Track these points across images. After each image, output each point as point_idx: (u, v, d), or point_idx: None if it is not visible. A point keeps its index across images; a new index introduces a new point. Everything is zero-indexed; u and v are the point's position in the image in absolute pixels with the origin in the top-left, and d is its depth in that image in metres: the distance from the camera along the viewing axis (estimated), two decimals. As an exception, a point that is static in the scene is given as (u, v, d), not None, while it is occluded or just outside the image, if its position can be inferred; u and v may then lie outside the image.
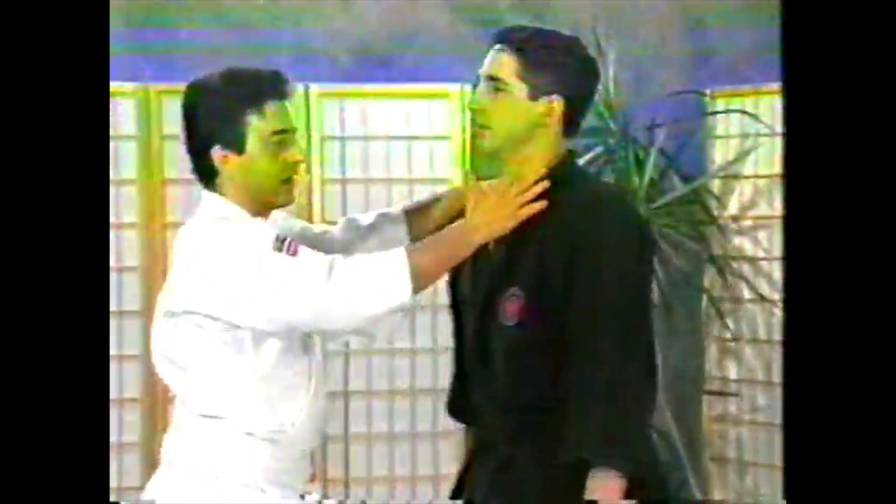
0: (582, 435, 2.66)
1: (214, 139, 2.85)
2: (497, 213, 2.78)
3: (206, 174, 2.88)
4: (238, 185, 2.86)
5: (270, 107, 2.84)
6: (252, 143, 2.84)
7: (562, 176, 2.80)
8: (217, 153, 2.85)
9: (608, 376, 2.66)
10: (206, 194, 2.89)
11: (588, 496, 2.66)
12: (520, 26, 2.85)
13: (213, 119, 2.85)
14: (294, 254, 2.75)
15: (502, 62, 2.78)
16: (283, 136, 2.85)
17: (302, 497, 2.92)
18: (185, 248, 2.86)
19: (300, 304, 2.73)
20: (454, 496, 2.96)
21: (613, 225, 2.74)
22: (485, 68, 2.81)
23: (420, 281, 2.75)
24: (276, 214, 2.97)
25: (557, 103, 2.78)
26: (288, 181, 2.87)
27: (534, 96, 2.78)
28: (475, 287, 2.90)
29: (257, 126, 2.84)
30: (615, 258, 2.70)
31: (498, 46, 2.80)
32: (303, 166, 2.94)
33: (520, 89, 2.78)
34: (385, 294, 2.73)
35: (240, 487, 2.83)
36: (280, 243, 2.76)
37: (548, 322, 2.72)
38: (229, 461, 2.84)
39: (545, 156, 2.82)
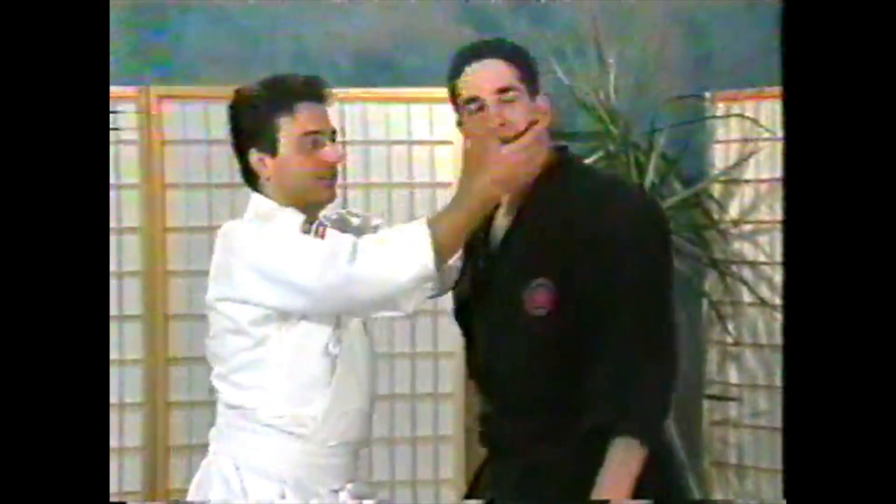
0: (601, 401, 2.69)
1: (250, 144, 2.96)
2: (506, 167, 2.76)
3: (248, 177, 3.00)
4: (276, 186, 2.96)
5: (302, 108, 2.93)
6: (284, 144, 2.93)
7: (567, 164, 2.88)
8: (254, 157, 2.95)
9: (626, 352, 2.70)
10: (253, 194, 3.01)
11: (606, 465, 2.68)
12: (496, 38, 2.92)
13: (249, 124, 2.96)
14: (322, 236, 2.86)
15: (504, 72, 2.82)
16: (316, 136, 2.94)
17: (336, 492, 2.96)
18: (221, 241, 2.95)
19: (326, 282, 2.78)
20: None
21: (633, 209, 2.80)
22: (489, 84, 2.81)
23: (443, 249, 2.78)
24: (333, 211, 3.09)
25: (544, 98, 2.86)
26: (323, 179, 2.95)
27: (532, 97, 2.83)
28: (487, 285, 2.89)
29: (288, 128, 2.93)
30: (636, 241, 2.75)
31: (489, 60, 2.82)
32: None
33: (524, 93, 2.82)
34: (409, 266, 2.76)
35: (259, 478, 2.88)
36: (308, 225, 2.87)
37: (577, 309, 2.74)
38: (250, 451, 2.92)
39: (545, 148, 2.86)
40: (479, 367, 2.96)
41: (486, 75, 2.81)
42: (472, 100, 2.82)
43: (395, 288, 2.78)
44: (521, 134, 2.78)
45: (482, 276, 2.90)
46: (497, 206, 2.88)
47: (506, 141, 2.78)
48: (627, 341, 2.70)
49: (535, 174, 2.82)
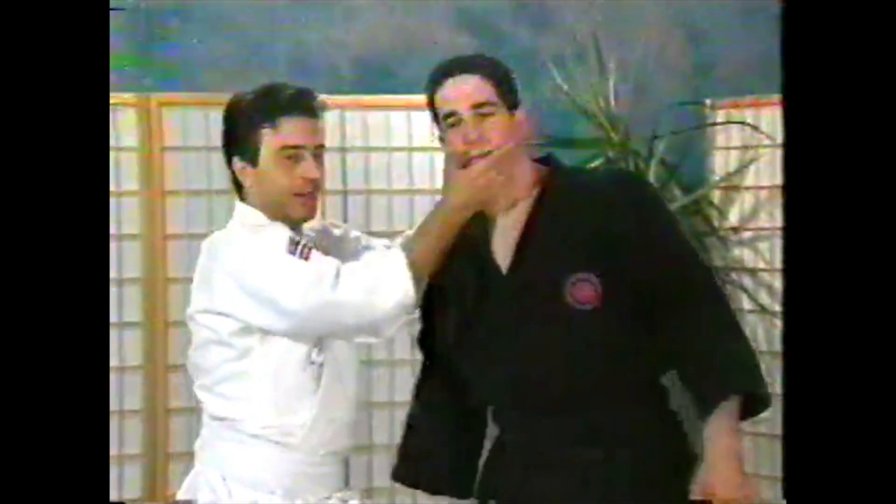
0: (730, 371, 2.78)
1: (234, 151, 2.95)
2: (469, 189, 2.83)
3: (236, 185, 2.99)
4: (256, 197, 2.95)
5: (285, 122, 2.91)
6: (264, 156, 2.90)
7: (564, 168, 2.96)
8: (236, 165, 2.95)
9: (725, 318, 2.84)
10: (238, 204, 2.99)
11: (711, 434, 2.77)
12: (472, 55, 3.01)
13: (234, 132, 2.96)
14: (306, 258, 2.81)
15: (482, 88, 2.86)
16: (298, 150, 2.91)
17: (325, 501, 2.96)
18: (206, 252, 2.95)
19: (308, 306, 2.79)
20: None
21: (652, 196, 2.94)
22: (471, 99, 2.85)
23: (420, 276, 2.83)
24: (327, 224, 3.10)
25: (522, 112, 2.91)
26: (301, 196, 2.92)
27: (511, 112, 2.88)
28: (512, 292, 2.89)
29: (269, 139, 2.91)
30: (671, 220, 2.91)
31: (468, 76, 2.87)
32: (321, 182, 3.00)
33: (502, 108, 2.86)
34: (390, 295, 2.79)
35: (246, 488, 2.88)
36: (294, 246, 2.84)
37: (628, 303, 2.79)
38: (238, 462, 2.92)
39: (529, 160, 2.93)
40: (503, 374, 2.91)
41: (464, 90, 2.86)
42: (450, 115, 2.87)
43: (377, 315, 2.81)
44: (490, 152, 2.83)
45: (501, 286, 2.90)
46: (485, 224, 2.89)
47: (482, 156, 2.83)
48: (715, 316, 2.82)
49: (527, 186, 2.88)
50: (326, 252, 2.94)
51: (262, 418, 2.88)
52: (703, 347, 2.79)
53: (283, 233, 2.87)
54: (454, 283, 2.92)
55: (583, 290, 2.79)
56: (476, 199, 2.83)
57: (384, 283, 2.79)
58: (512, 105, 2.88)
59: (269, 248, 2.84)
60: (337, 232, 3.10)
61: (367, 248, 3.05)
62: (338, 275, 2.78)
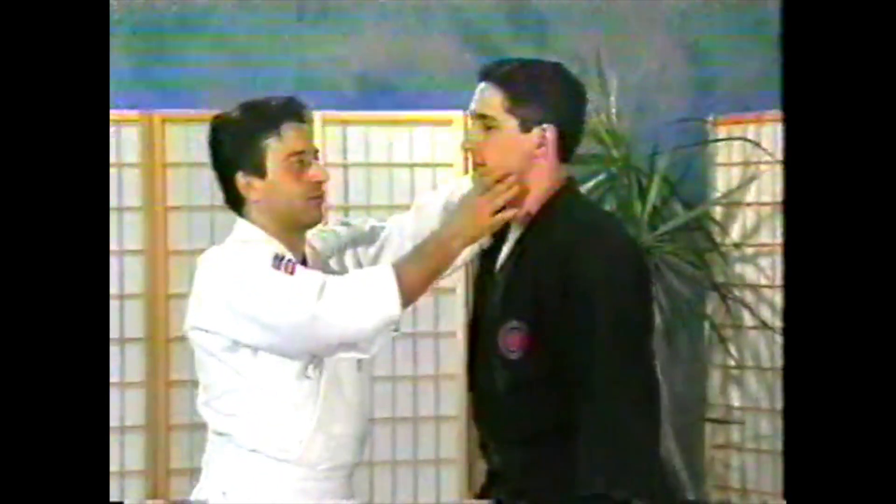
0: (591, 469, 2.64)
1: (236, 166, 2.93)
2: (470, 220, 2.82)
3: (234, 201, 2.97)
4: (263, 210, 2.94)
5: (287, 129, 2.92)
6: (272, 165, 2.91)
7: (561, 204, 2.81)
8: (240, 180, 2.93)
9: (609, 410, 2.64)
10: (238, 220, 2.99)
11: None
12: (504, 60, 2.85)
13: (233, 147, 2.94)
14: (291, 272, 2.80)
15: (489, 99, 2.79)
16: (303, 156, 2.93)
17: None
18: (200, 269, 2.93)
19: (291, 321, 2.78)
20: None
21: (607, 255, 2.72)
22: (473, 106, 2.82)
23: (408, 295, 2.80)
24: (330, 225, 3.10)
25: (550, 132, 2.78)
26: (313, 199, 2.93)
27: (525, 128, 2.77)
28: (479, 319, 2.92)
29: (276, 148, 2.91)
30: (609, 288, 2.67)
31: (483, 84, 2.80)
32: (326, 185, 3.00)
33: (510, 123, 2.77)
34: (375, 310, 2.78)
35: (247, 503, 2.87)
36: (278, 261, 2.82)
37: (550, 354, 2.71)
38: (238, 477, 2.91)
39: (544, 185, 2.81)
40: (471, 397, 2.97)
41: (477, 98, 2.81)
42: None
43: (359, 332, 2.79)
44: (484, 165, 2.79)
45: (479, 305, 2.92)
46: (508, 225, 2.87)
47: (478, 164, 2.80)
48: (608, 399, 2.64)
49: (533, 204, 2.80)
50: (335, 253, 3.00)
51: (258, 433, 2.88)
52: (590, 437, 2.65)
53: (267, 249, 2.87)
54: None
55: (513, 339, 2.75)
56: (477, 231, 2.82)
57: (369, 300, 2.77)
58: (527, 123, 2.77)
59: (253, 263, 2.83)
60: (342, 232, 3.11)
61: (382, 237, 3.09)
62: (322, 289, 2.77)
